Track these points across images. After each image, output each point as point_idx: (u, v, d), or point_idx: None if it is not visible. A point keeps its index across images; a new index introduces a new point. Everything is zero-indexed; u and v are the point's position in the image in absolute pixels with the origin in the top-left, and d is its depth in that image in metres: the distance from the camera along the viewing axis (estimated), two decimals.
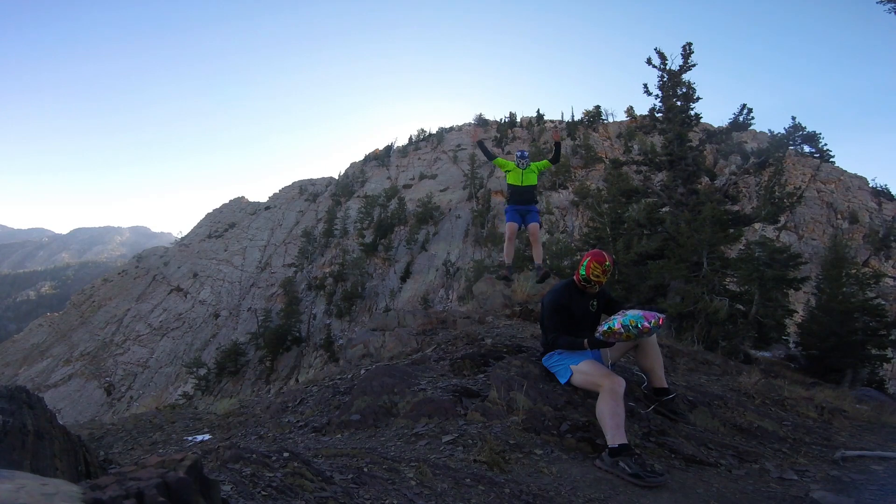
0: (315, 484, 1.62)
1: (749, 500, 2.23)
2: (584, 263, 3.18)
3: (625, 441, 2.48)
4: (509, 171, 5.55)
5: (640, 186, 12.22)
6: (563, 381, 3.07)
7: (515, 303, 8.87)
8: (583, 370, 2.90)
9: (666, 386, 3.29)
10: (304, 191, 63.96)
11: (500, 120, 64.25)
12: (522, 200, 5.47)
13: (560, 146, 5.69)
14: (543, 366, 3.27)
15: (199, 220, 70.18)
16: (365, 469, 2.04)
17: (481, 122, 66.44)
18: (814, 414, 3.88)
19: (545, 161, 5.71)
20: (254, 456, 1.68)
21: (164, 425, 3.37)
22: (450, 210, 41.43)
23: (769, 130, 12.61)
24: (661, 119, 11.73)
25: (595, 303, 3.33)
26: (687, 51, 11.25)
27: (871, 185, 41.20)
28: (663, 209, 11.80)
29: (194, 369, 30.63)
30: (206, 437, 3.09)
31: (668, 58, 11.46)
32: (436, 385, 3.53)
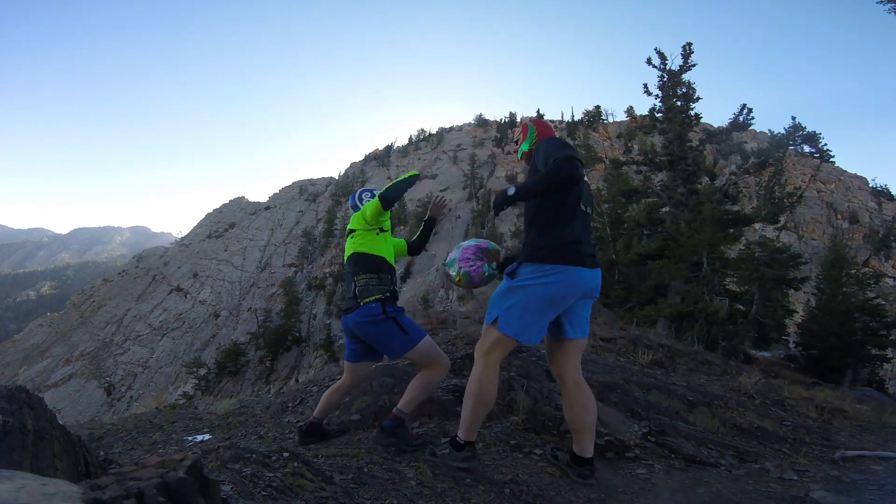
0: (315, 484, 1.62)
1: (749, 500, 2.23)
2: None
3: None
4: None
5: (640, 186, 12.23)
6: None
7: None
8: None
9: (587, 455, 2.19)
10: (304, 191, 64.04)
11: (500, 120, 64.30)
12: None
13: (433, 226, 2.79)
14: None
15: (199, 220, 70.28)
16: (365, 469, 2.04)
17: (481, 122, 66.48)
18: (814, 414, 3.88)
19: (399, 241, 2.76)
20: (254, 456, 1.68)
21: (164, 425, 3.36)
22: (450, 210, 41.46)
23: (769, 130, 12.65)
24: (661, 119, 11.75)
25: None
26: (687, 51, 11.27)
27: (871, 185, 41.24)
28: (663, 209, 11.81)
29: (194, 369, 30.68)
30: (206, 437, 3.09)
31: (668, 58, 11.48)
32: None
